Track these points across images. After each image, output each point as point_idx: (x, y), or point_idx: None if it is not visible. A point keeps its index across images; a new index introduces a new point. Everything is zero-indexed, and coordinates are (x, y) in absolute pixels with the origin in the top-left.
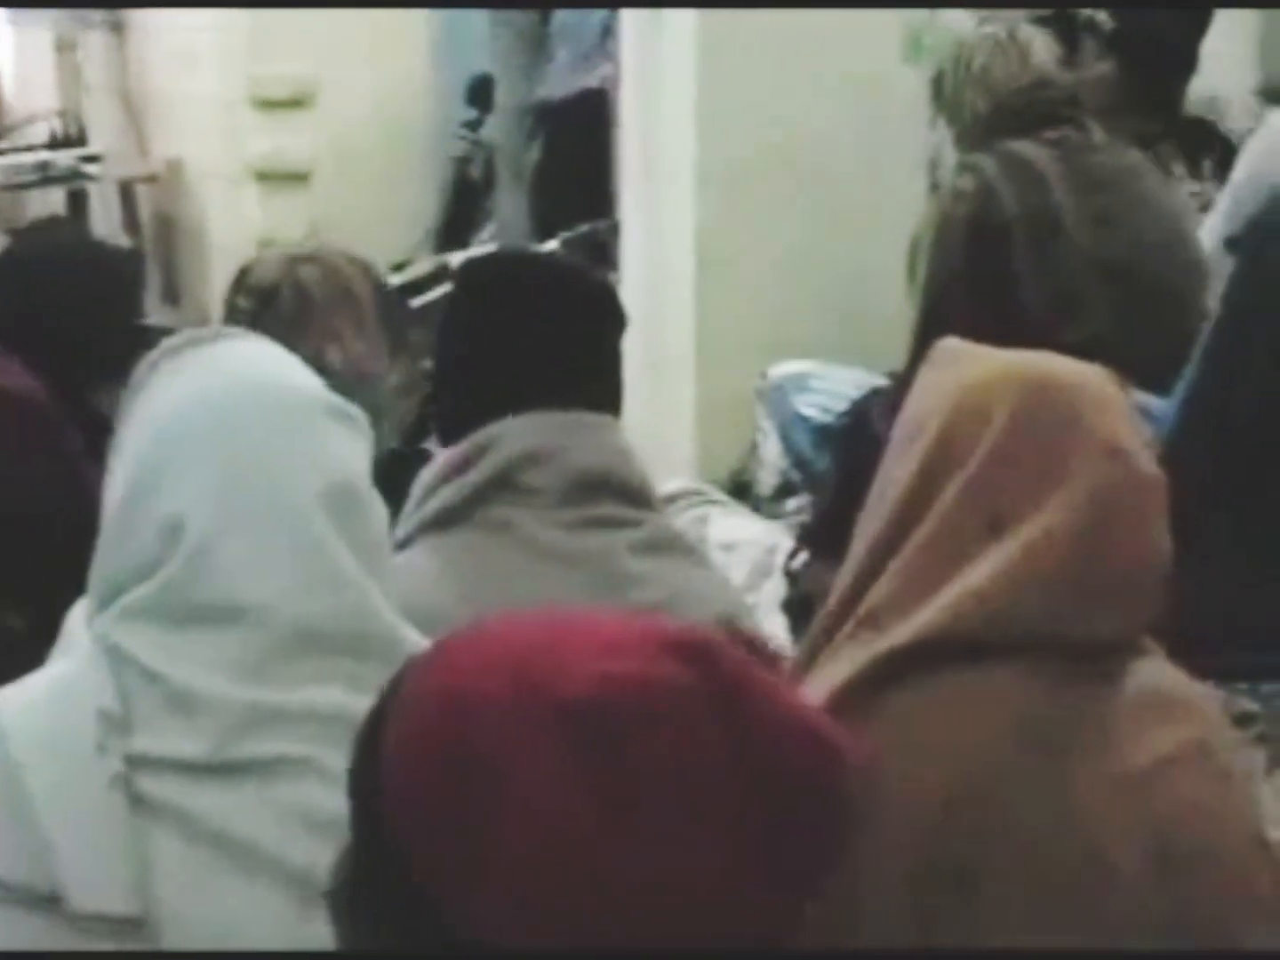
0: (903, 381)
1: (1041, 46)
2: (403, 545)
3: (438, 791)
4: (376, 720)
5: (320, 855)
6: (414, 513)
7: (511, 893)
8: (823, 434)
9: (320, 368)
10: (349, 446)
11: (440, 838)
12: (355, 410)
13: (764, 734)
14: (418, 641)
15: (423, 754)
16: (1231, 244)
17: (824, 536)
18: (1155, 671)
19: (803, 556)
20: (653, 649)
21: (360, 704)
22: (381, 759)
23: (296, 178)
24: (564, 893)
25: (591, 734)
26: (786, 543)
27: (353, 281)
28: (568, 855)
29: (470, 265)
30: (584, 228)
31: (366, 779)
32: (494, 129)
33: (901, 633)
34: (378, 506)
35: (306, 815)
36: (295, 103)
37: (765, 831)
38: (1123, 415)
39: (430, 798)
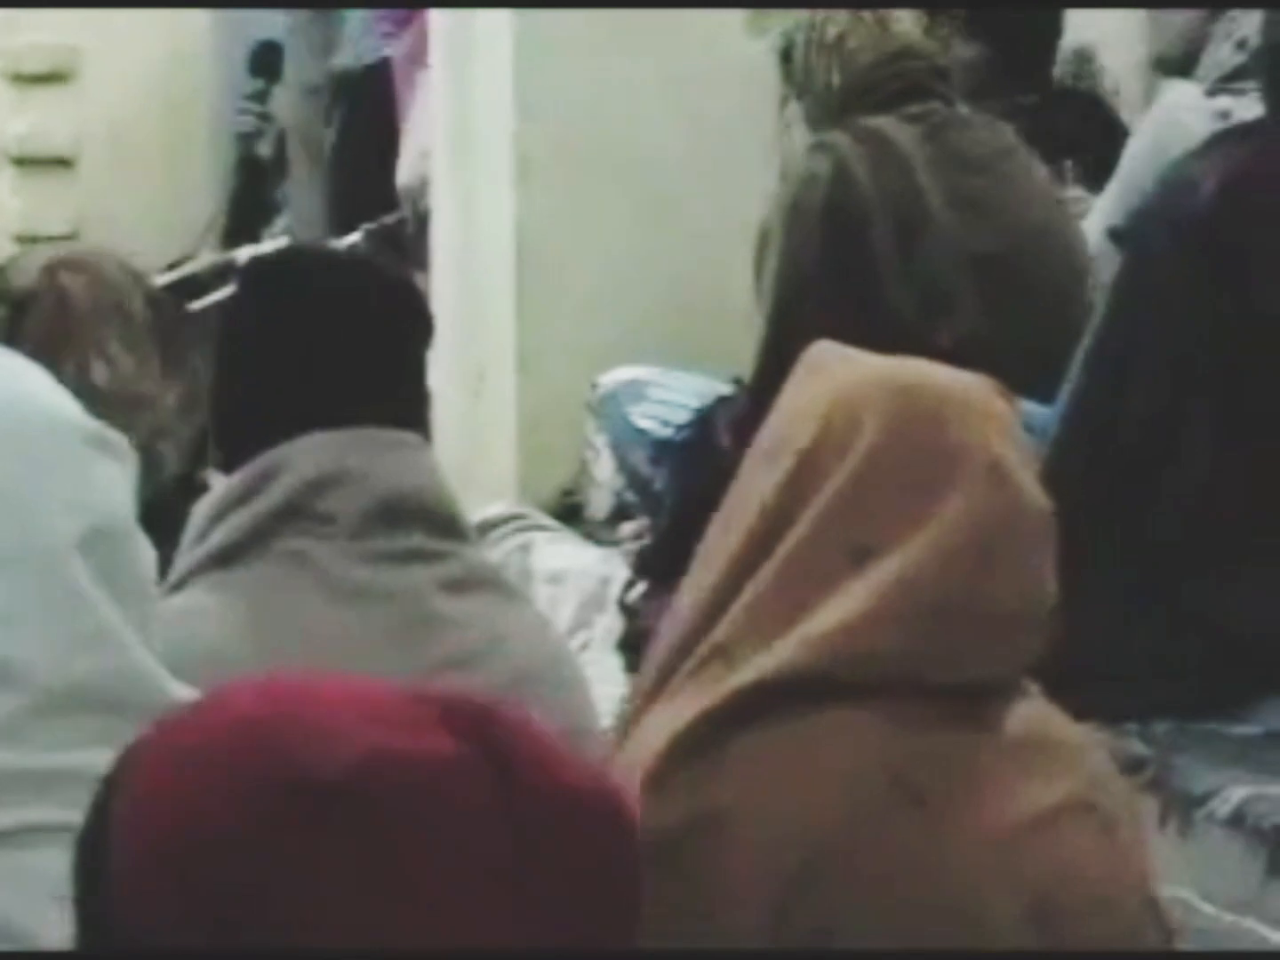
0: (751, 390)
1: (904, 14)
2: (181, 584)
3: (167, 892)
4: (105, 796)
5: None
6: (193, 548)
7: None
8: (662, 449)
9: (84, 387)
10: (111, 480)
11: (178, 941)
12: (117, 438)
13: (544, 809)
14: (188, 696)
15: (148, 846)
16: (1116, 235)
17: (664, 565)
18: (1034, 714)
19: (640, 587)
20: (414, 719)
21: None
22: (106, 850)
23: (59, 163)
24: None
25: (354, 823)
26: (622, 572)
27: (122, 290)
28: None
29: (254, 263)
30: (389, 218)
31: (89, 867)
32: (284, 106)
33: (753, 669)
34: (143, 547)
35: (62, 887)
36: (54, 77)
37: (550, 912)
38: (1006, 433)
39: (158, 897)
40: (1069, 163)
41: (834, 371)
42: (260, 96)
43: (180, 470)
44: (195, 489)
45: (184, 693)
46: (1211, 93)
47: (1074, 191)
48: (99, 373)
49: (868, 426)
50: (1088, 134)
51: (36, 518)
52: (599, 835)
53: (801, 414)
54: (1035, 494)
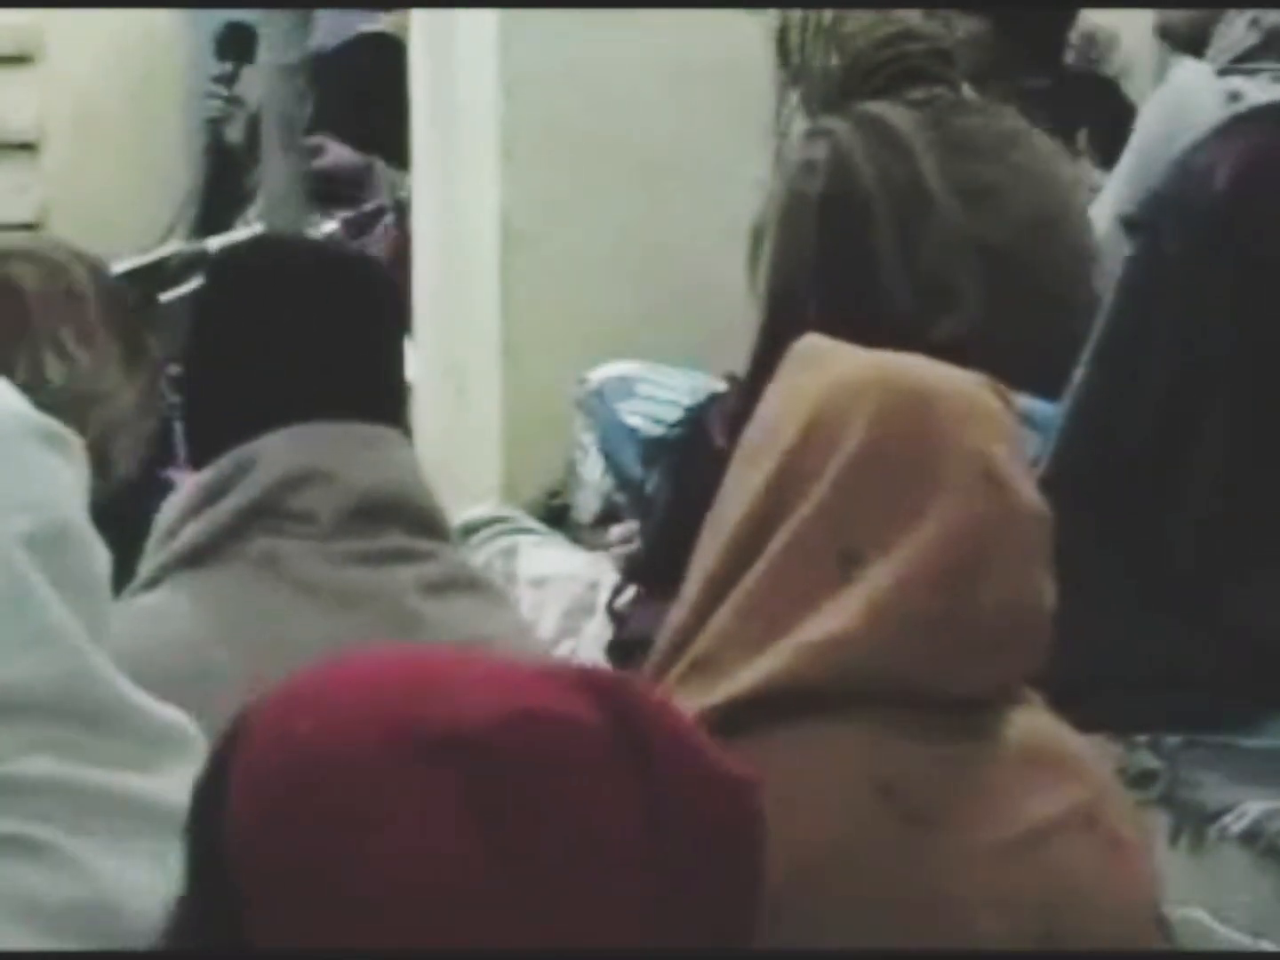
0: (745, 387)
1: None
2: (151, 584)
3: (294, 862)
4: (215, 775)
5: (28, 947)
6: (161, 548)
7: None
8: (652, 448)
9: (38, 382)
10: (59, 477)
11: (299, 917)
12: (66, 433)
13: (678, 783)
14: (146, 705)
15: (273, 813)
16: (1127, 223)
17: (654, 569)
18: (1034, 724)
19: (630, 593)
20: (557, 685)
21: (77, 773)
22: (226, 817)
23: (22, 148)
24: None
25: (481, 775)
26: (611, 577)
27: (76, 281)
28: (450, 919)
29: (224, 253)
30: (368, 206)
31: (207, 847)
32: (258, 87)
33: (740, 680)
34: (96, 546)
35: (12, 900)
36: (16, 59)
37: (676, 890)
38: (1002, 434)
39: (285, 870)
40: (1083, 133)
41: (822, 367)
42: (228, 80)
43: (140, 467)
44: (155, 487)
45: (138, 697)
46: (1223, 73)
47: (1087, 167)
48: (53, 368)
49: (856, 427)
50: (1098, 116)
51: None
52: (729, 819)
53: (788, 412)
54: (1031, 498)
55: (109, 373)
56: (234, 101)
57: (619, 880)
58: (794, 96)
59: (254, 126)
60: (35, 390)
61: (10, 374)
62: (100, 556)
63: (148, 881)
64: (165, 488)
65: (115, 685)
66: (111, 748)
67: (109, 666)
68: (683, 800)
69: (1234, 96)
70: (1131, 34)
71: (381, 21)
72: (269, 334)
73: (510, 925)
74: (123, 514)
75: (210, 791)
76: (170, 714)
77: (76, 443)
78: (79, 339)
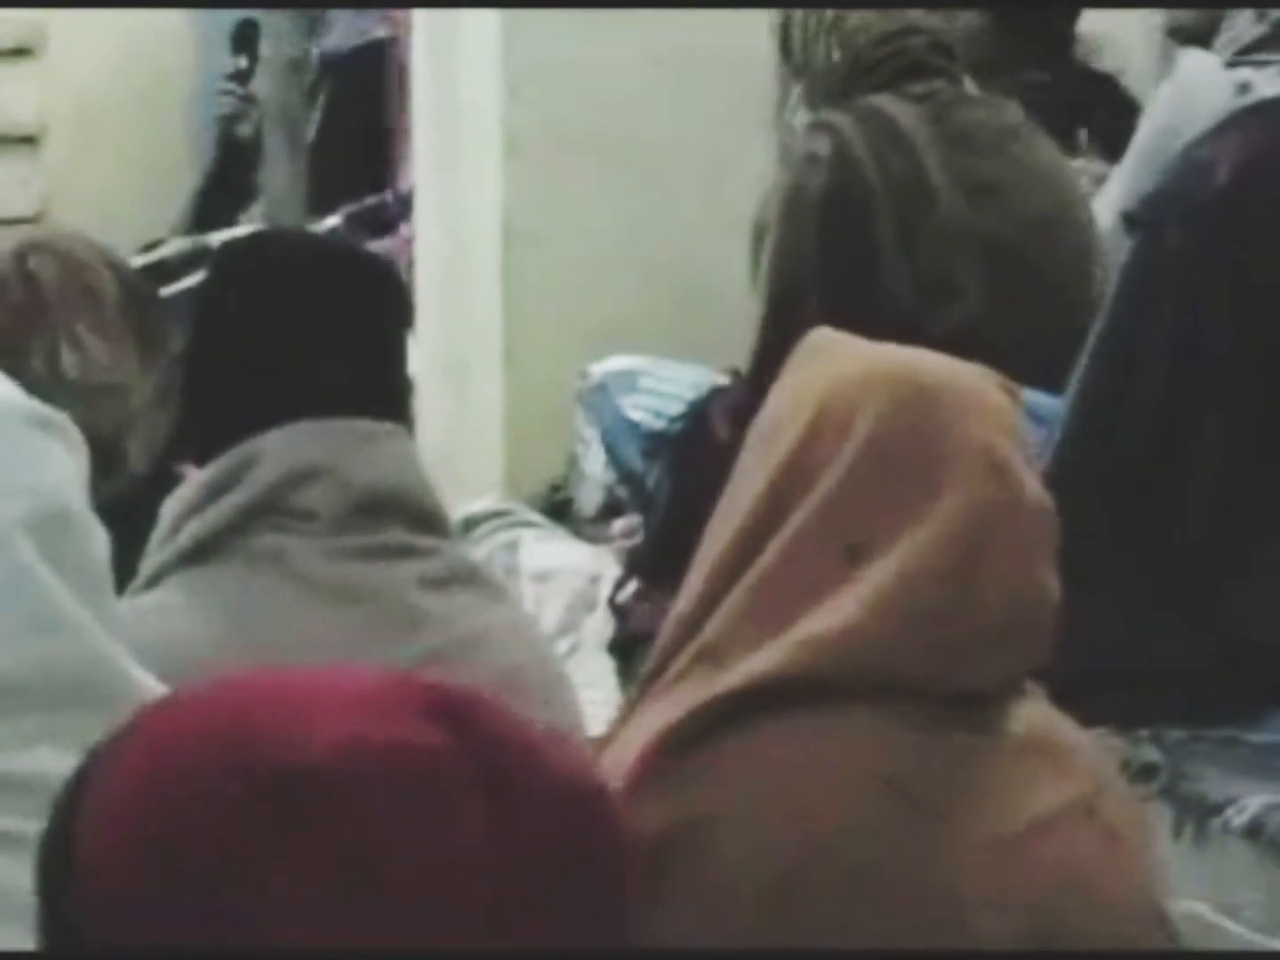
0: (747, 381)
1: None
2: (152, 582)
3: (137, 892)
4: (71, 800)
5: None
6: (164, 544)
7: None
8: (654, 442)
9: (54, 376)
10: (59, 462)
11: (146, 942)
12: (62, 419)
13: (528, 801)
14: (153, 689)
15: (122, 845)
16: (1129, 218)
17: (656, 563)
18: (1036, 718)
19: (632, 587)
20: (398, 709)
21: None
22: (75, 846)
23: (23, 141)
24: None
25: (322, 809)
26: (613, 571)
27: (94, 274)
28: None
29: (226, 248)
30: (371, 200)
31: (57, 873)
32: (263, 84)
33: (744, 672)
34: (96, 532)
35: (8, 897)
36: (19, 51)
37: (532, 907)
38: (1007, 427)
39: (129, 899)
40: (1083, 131)
41: (830, 360)
42: (242, 77)
43: (154, 463)
44: (169, 483)
45: (152, 684)
46: (1231, 64)
47: (1089, 163)
48: (69, 361)
49: (862, 421)
50: (1102, 111)
51: None
52: (583, 831)
53: (795, 405)
54: (1035, 491)
55: (124, 367)
56: (247, 99)
57: (472, 904)
58: (796, 91)
59: (262, 122)
60: (50, 383)
61: (26, 365)
62: (99, 540)
63: None
64: (179, 483)
65: (127, 669)
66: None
67: (112, 649)
68: (533, 817)
69: (1243, 88)
70: (1127, 34)
71: (388, 26)
72: (271, 329)
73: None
74: (136, 509)
75: (62, 820)
76: None
77: (73, 428)
78: (95, 333)
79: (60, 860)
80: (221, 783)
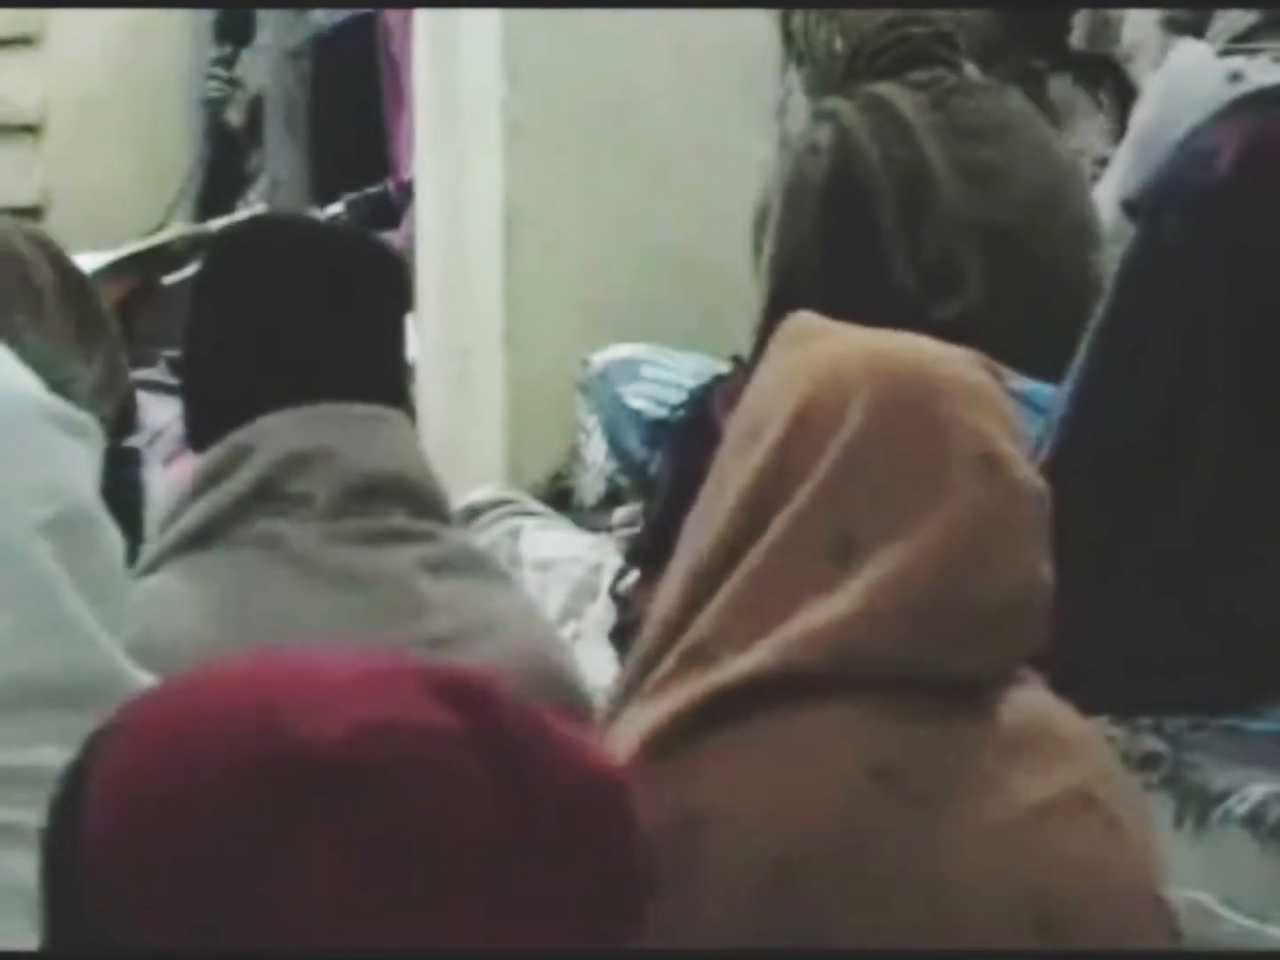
0: (748, 368)
1: None
2: (152, 568)
3: (148, 879)
4: (75, 782)
5: (24, 939)
6: (164, 529)
7: None
8: (656, 431)
9: None
10: (77, 462)
11: (159, 933)
12: (85, 419)
13: (545, 786)
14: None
15: (129, 829)
16: (1128, 207)
17: (657, 552)
18: (1033, 707)
19: (633, 576)
20: (415, 691)
21: None
22: (81, 831)
23: (24, 130)
24: None
25: (339, 793)
26: (614, 560)
27: (29, 265)
28: (323, 938)
29: (224, 233)
30: (373, 189)
31: (63, 853)
32: (259, 71)
33: (732, 668)
34: (111, 532)
35: (13, 891)
36: (19, 41)
37: (548, 891)
38: (999, 414)
39: (140, 886)
40: (1101, 94)
41: (813, 347)
42: (227, 61)
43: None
44: (123, 458)
45: (149, 681)
46: (1223, 53)
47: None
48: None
49: (852, 410)
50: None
51: (1, 503)
52: (597, 817)
53: (781, 394)
54: (1030, 478)
55: (68, 356)
56: (233, 83)
57: (488, 884)
58: (798, 79)
59: (254, 109)
60: None
61: None
62: (114, 540)
63: None
64: (132, 456)
65: (128, 675)
66: None
67: (122, 656)
68: (550, 802)
69: (1235, 77)
70: (1138, 19)
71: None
72: (269, 314)
73: (383, 939)
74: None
75: (67, 802)
76: None
77: (95, 428)
78: (35, 326)
79: (62, 850)
80: (237, 764)
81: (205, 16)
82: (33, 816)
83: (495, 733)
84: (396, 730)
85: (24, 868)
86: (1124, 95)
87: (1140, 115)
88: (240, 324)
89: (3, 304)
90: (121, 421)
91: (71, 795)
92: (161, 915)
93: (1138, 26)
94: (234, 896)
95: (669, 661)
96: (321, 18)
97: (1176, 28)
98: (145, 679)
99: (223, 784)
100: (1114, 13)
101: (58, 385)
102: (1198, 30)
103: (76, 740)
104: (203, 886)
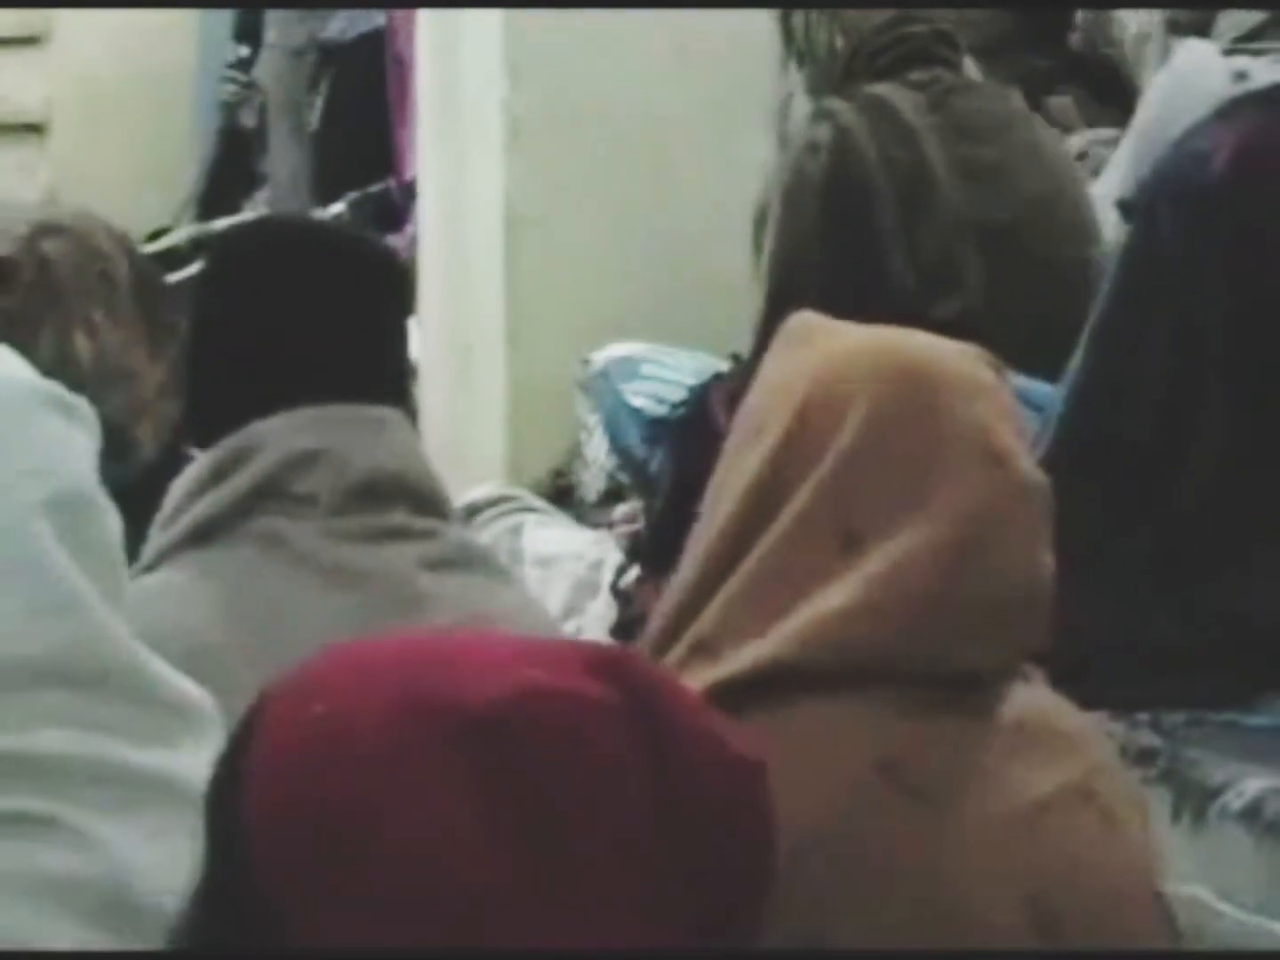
0: (748, 367)
1: None
2: (155, 564)
3: (312, 843)
4: (233, 761)
5: (42, 926)
6: (167, 527)
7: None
8: (656, 428)
9: (65, 360)
10: (73, 443)
11: (318, 900)
12: (79, 401)
13: (690, 762)
14: (164, 673)
15: (293, 797)
16: (1125, 207)
17: (658, 548)
18: (1034, 701)
19: (634, 572)
20: (567, 662)
21: (88, 746)
22: (243, 801)
23: (29, 129)
24: (467, 933)
25: (501, 753)
26: (615, 556)
27: (108, 258)
28: (465, 902)
29: (227, 234)
30: (375, 188)
31: (224, 834)
32: (265, 72)
33: (740, 660)
34: (111, 516)
35: (18, 876)
36: (25, 40)
37: (686, 871)
38: (1000, 408)
39: (304, 852)
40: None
41: (815, 344)
42: (245, 64)
43: (164, 449)
44: (179, 468)
45: (159, 666)
46: (1228, 52)
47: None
48: (81, 346)
49: (855, 405)
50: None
51: None
52: (739, 800)
53: (784, 391)
54: (1031, 472)
55: (135, 354)
56: (249, 86)
57: (630, 859)
58: (798, 78)
59: (264, 110)
60: (59, 367)
61: (34, 347)
62: (113, 522)
63: (160, 857)
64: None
65: (133, 653)
66: (126, 717)
67: (126, 634)
68: (694, 780)
69: (1240, 76)
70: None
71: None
72: (272, 315)
73: (521, 904)
74: (145, 494)
75: (228, 777)
76: (188, 686)
77: (90, 412)
78: (109, 317)
79: (228, 818)
80: (396, 716)
81: (213, 17)
82: (34, 803)
83: (648, 707)
84: (552, 695)
85: (29, 854)
86: (1124, 100)
87: (1143, 113)
88: (244, 325)
89: (81, 298)
90: (182, 427)
91: (231, 772)
92: (313, 845)
93: (1138, 26)
94: (383, 846)
95: (674, 655)
96: (337, 26)
97: (1179, 29)
98: (152, 659)
99: (378, 730)
100: (1113, 13)
101: (124, 380)
102: (1200, 31)
103: (81, 723)
104: (352, 840)
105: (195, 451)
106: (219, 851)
